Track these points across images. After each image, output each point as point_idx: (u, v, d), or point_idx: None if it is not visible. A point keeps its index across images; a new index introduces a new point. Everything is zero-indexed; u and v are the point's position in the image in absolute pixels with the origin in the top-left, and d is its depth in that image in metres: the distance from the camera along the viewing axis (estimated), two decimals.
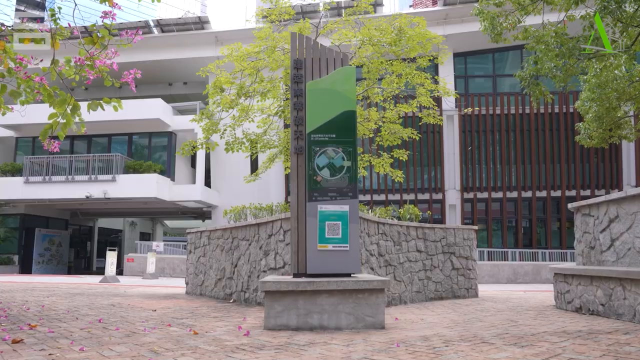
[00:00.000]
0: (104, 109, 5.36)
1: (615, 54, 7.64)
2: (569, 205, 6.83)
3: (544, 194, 22.96)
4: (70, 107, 5.09)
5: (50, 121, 5.05)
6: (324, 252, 4.98)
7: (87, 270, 30.68)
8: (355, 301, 4.56)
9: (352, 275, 5.04)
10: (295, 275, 5.05)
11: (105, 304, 7.07)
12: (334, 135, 5.20)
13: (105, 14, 4.90)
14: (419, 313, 6.21)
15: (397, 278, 7.71)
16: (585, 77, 9.41)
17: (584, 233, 6.43)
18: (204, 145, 10.53)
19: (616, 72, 8.19)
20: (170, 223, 40.20)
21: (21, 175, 22.62)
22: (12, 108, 6.35)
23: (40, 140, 5.37)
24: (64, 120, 5.07)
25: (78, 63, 5.16)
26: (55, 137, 5.43)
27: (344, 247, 5.00)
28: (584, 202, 6.39)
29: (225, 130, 10.08)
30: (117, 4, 4.93)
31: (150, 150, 24.38)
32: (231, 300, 7.79)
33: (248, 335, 4.10)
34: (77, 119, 5.15)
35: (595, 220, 6.08)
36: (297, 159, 5.19)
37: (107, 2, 5.00)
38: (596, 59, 8.29)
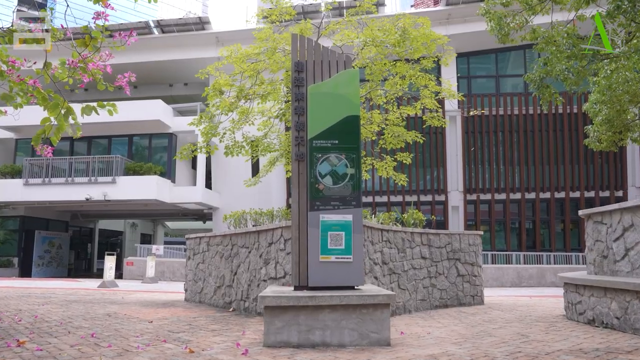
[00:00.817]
0: (98, 114, 5.16)
1: (628, 55, 7.41)
2: (580, 212, 6.60)
3: (547, 195, 22.72)
4: (64, 110, 4.89)
5: (43, 125, 4.86)
6: (326, 263, 4.76)
7: (87, 272, 30.52)
8: (359, 316, 4.34)
9: (355, 287, 4.83)
10: (296, 288, 4.83)
11: (100, 314, 6.86)
12: (337, 141, 4.98)
13: (98, 15, 4.68)
14: (424, 325, 5.99)
15: (401, 286, 7.49)
16: (594, 79, 9.16)
17: (595, 241, 6.20)
18: (203, 149, 10.31)
19: (627, 73, 7.96)
20: (171, 224, 40.05)
21: (21, 177, 22.45)
22: (5, 111, 6.14)
23: (33, 145, 5.16)
24: (58, 124, 4.88)
25: (71, 66, 4.95)
26: (49, 142, 5.23)
27: (347, 258, 4.78)
28: (595, 210, 6.16)
29: (224, 133, 9.86)
30: (109, 5, 4.71)
31: (150, 151, 24.19)
32: (230, 310, 7.57)
33: (246, 355, 3.88)
34: (72, 122, 4.95)
35: (608, 229, 5.85)
36: (298, 166, 4.98)
37: (100, 3, 4.79)
38: (609, 60, 8.06)
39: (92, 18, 4.67)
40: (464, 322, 6.17)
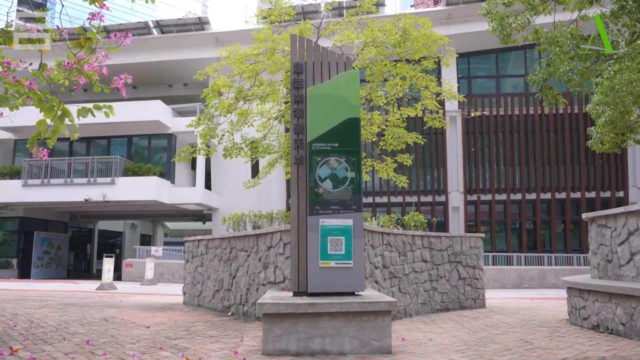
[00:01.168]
0: (94, 116, 5.07)
1: (633, 56, 7.31)
2: (584, 216, 6.50)
3: (548, 195, 22.61)
4: (60, 112, 4.80)
5: (39, 128, 4.77)
6: (326, 269, 4.68)
7: (86, 272, 30.40)
8: (360, 324, 4.25)
9: (356, 293, 4.74)
10: (295, 294, 4.74)
11: (97, 318, 6.76)
12: (337, 144, 4.89)
13: (93, 16, 4.59)
14: (426, 330, 5.90)
15: (402, 290, 7.39)
16: (597, 80, 9.06)
17: (599, 245, 6.10)
18: (202, 151, 10.20)
19: (630, 74, 7.86)
20: (171, 225, 39.94)
21: (20, 178, 22.35)
22: (1, 113, 6.03)
23: (28, 147, 5.08)
24: (54, 126, 4.80)
25: (67, 67, 4.86)
26: (45, 144, 5.15)
27: (347, 264, 4.69)
28: (599, 213, 6.07)
29: (223, 135, 9.76)
30: (105, 5, 4.61)
31: (150, 152, 24.09)
32: (229, 314, 7.48)
33: None
34: (69, 124, 4.87)
35: (612, 232, 5.75)
36: (298, 169, 4.89)
37: (96, 3, 4.70)
38: (613, 61, 7.96)
39: (87, 19, 4.58)
40: (466, 327, 6.08)
